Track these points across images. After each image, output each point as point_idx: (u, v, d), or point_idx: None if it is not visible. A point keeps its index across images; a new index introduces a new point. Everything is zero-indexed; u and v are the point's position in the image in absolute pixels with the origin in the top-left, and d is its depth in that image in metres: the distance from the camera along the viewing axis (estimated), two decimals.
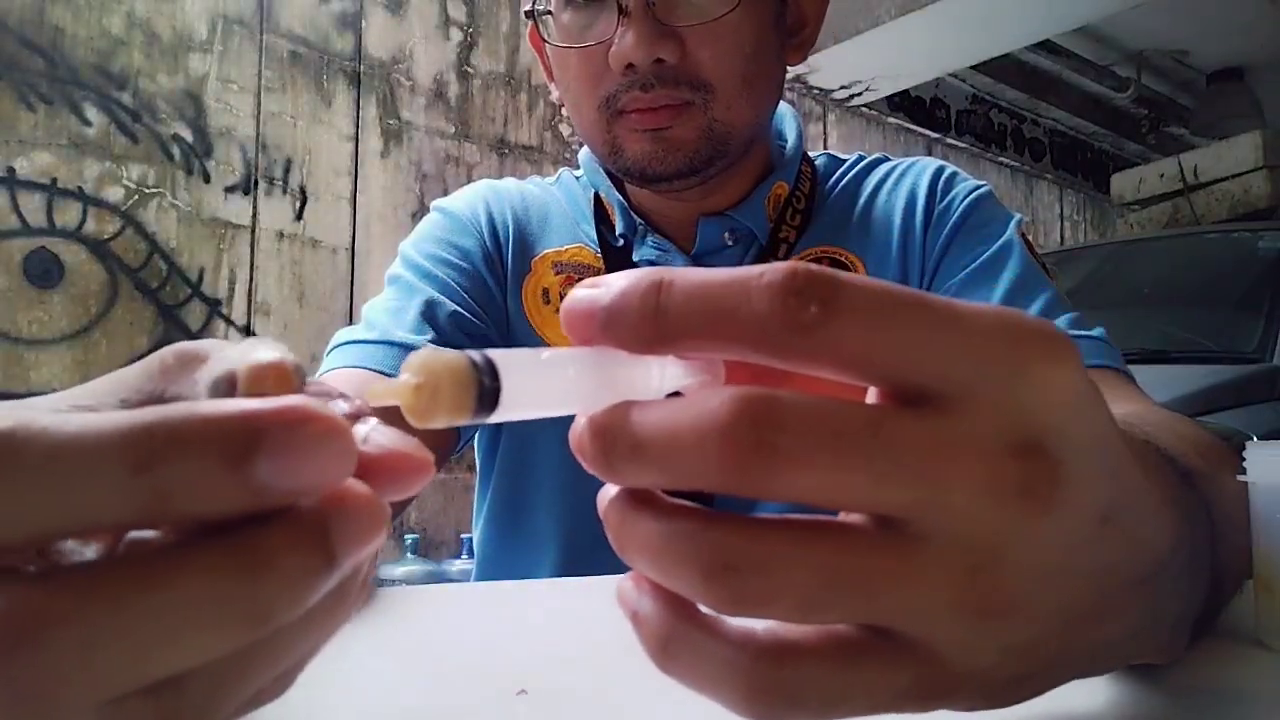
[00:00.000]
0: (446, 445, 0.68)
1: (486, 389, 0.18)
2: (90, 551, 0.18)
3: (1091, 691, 0.30)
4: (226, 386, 0.20)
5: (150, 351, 0.22)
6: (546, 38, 0.70)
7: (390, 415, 0.20)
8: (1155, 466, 0.28)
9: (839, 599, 0.19)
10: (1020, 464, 0.19)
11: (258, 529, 0.17)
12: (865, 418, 0.19)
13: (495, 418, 0.19)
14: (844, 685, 0.20)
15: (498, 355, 0.19)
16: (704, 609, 0.20)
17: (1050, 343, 0.20)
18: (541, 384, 0.20)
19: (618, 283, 0.20)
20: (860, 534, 0.19)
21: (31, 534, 0.16)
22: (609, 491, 0.21)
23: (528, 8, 0.70)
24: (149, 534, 0.18)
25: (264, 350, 0.20)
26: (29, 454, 0.15)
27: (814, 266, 0.19)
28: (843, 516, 0.20)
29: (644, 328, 0.19)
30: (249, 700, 0.19)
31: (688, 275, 0.19)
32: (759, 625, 0.20)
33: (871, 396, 0.21)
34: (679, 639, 0.20)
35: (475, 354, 0.19)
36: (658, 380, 0.21)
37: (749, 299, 0.19)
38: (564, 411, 0.20)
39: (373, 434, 0.20)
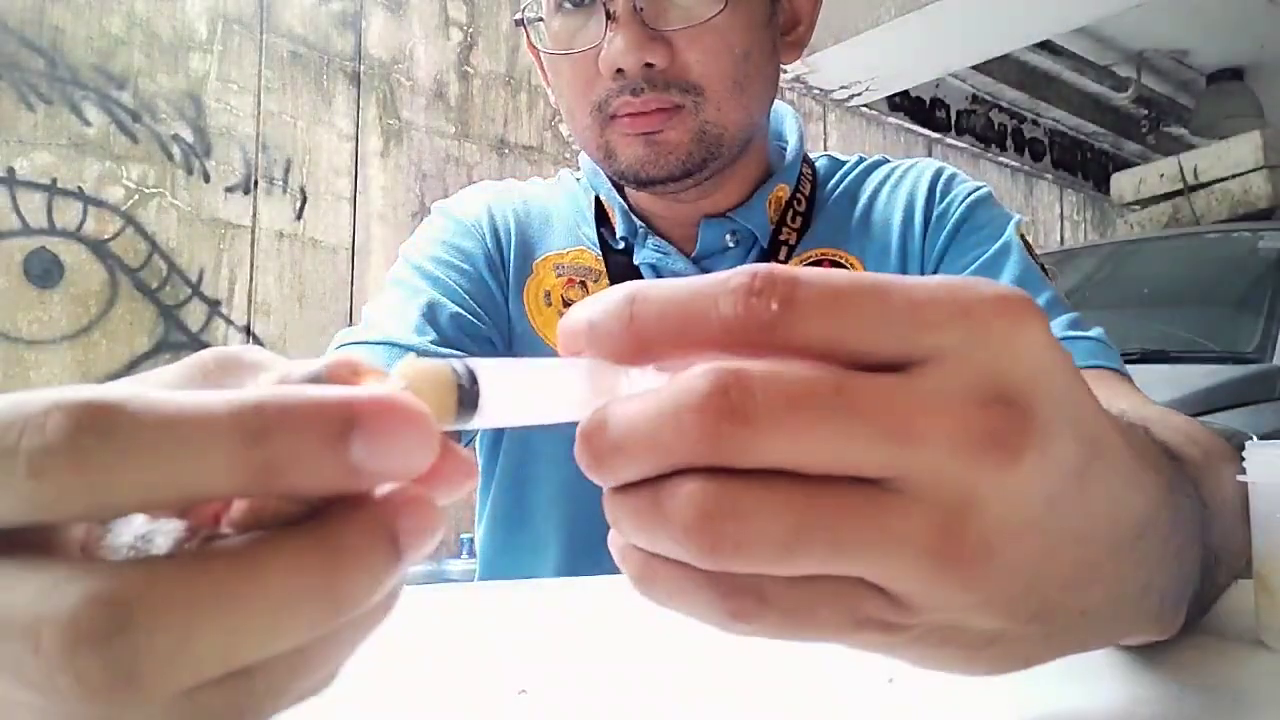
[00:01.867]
0: None
1: (467, 393, 0.19)
2: (161, 543, 0.18)
3: (1093, 689, 0.30)
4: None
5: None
6: (538, 44, 0.70)
7: None
8: (1138, 438, 0.28)
9: (813, 545, 0.20)
10: (988, 414, 0.20)
11: (337, 523, 0.18)
12: (833, 379, 0.20)
13: (476, 422, 0.20)
14: (811, 594, 0.21)
15: (480, 362, 0.20)
16: None
17: (1010, 304, 0.21)
18: (525, 391, 0.21)
19: (601, 298, 0.21)
20: (833, 483, 0.20)
21: (147, 500, 0.17)
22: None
23: (519, 16, 0.70)
24: (222, 528, 0.19)
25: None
26: (146, 420, 0.16)
27: (776, 267, 0.20)
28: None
29: (622, 338, 0.21)
30: (300, 694, 0.20)
31: (659, 287, 0.21)
32: None
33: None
34: (657, 563, 0.21)
35: (457, 361, 0.20)
36: (640, 388, 0.22)
37: (716, 304, 0.20)
38: (549, 419, 0.21)
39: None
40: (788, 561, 0.20)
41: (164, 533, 0.19)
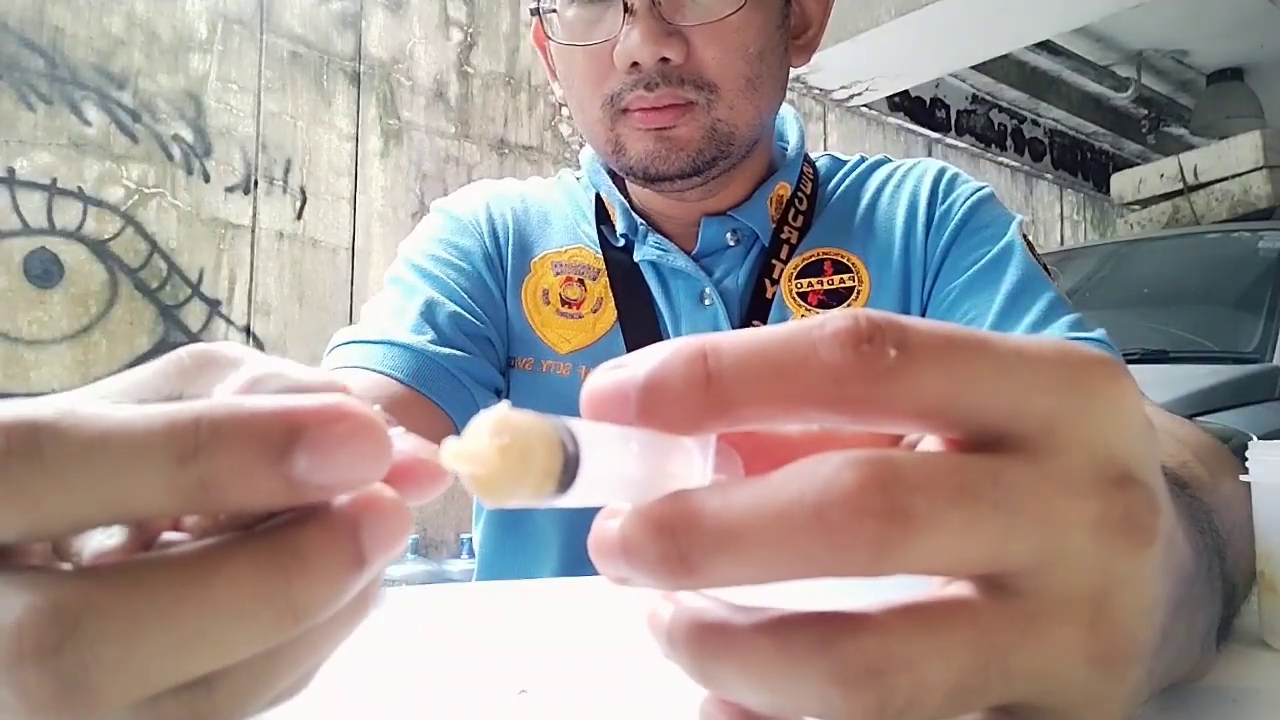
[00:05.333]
0: None
1: (570, 457, 0.16)
2: (119, 550, 0.18)
3: None
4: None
5: (150, 352, 0.22)
6: (551, 35, 0.70)
7: (410, 426, 0.20)
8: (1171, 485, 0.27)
9: (984, 682, 0.18)
10: (1123, 495, 0.18)
11: (294, 529, 0.17)
12: (983, 468, 0.18)
13: (571, 496, 0.17)
14: None
15: (574, 422, 0.17)
16: None
17: (1111, 369, 0.19)
18: (609, 462, 0.17)
19: (652, 357, 0.18)
20: (985, 608, 0.18)
21: (75, 519, 0.16)
22: (679, 615, 0.18)
23: (533, 5, 0.70)
24: (181, 535, 0.18)
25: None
26: (74, 440, 0.16)
27: (875, 312, 0.17)
28: (949, 590, 0.19)
29: (694, 401, 0.17)
30: (269, 700, 0.20)
31: (735, 337, 0.18)
32: None
33: (930, 446, 0.20)
34: None
35: (553, 418, 0.17)
36: (701, 468, 0.19)
37: (815, 352, 0.17)
38: (623, 499, 0.18)
39: (395, 440, 0.20)
40: (959, 707, 0.18)
41: (124, 539, 0.18)
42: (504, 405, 0.17)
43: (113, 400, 0.21)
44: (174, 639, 0.16)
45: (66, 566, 0.17)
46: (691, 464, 0.18)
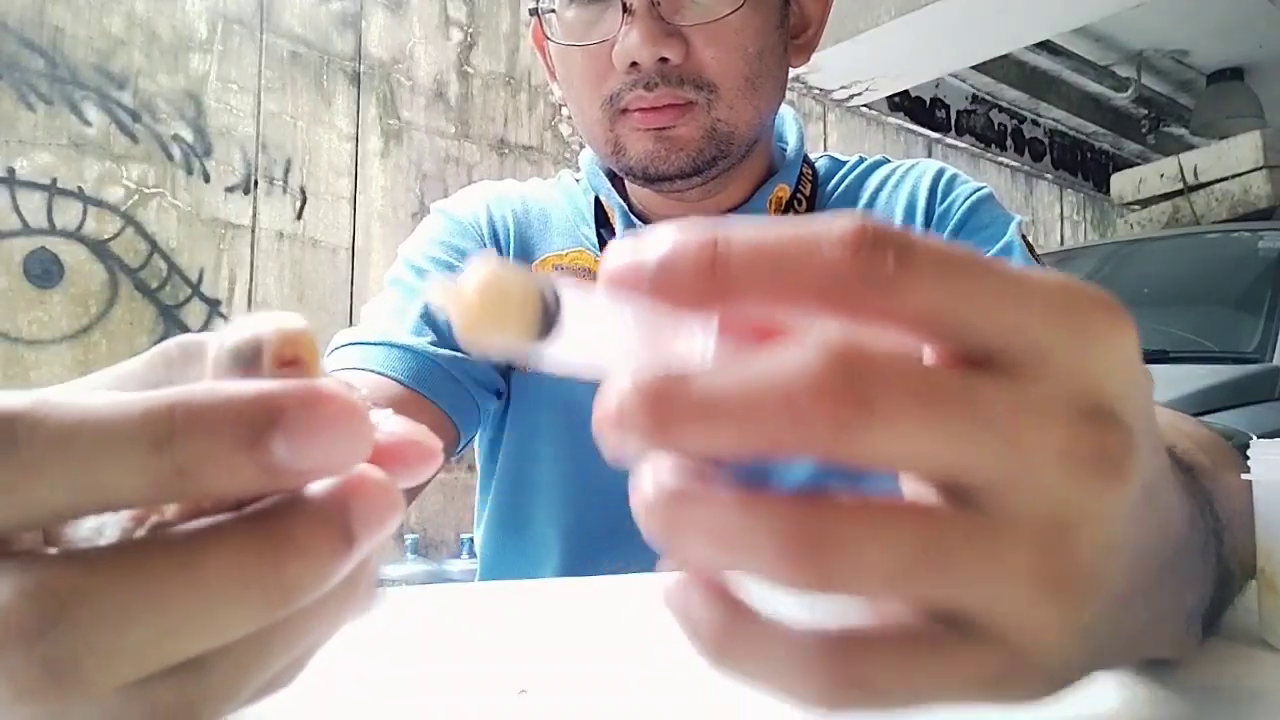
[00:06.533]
0: (447, 445, 0.68)
1: (551, 308, 0.18)
2: (110, 533, 0.18)
3: (1094, 689, 0.30)
4: (250, 352, 0.19)
5: None
6: (550, 35, 0.70)
7: (400, 411, 0.20)
8: (1170, 458, 0.28)
9: (921, 575, 0.18)
10: (1097, 430, 0.19)
11: (281, 510, 0.17)
12: (958, 377, 0.18)
13: (555, 347, 0.18)
14: (916, 674, 0.19)
15: (565, 286, 0.18)
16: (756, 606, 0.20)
17: (1112, 310, 0.20)
18: (595, 326, 0.18)
19: (669, 235, 0.18)
20: (939, 511, 0.19)
21: (54, 509, 0.16)
22: (652, 476, 0.20)
23: (532, 5, 0.70)
24: (169, 517, 0.18)
25: (291, 320, 0.20)
26: (47, 430, 0.16)
27: (883, 220, 0.18)
28: (914, 494, 0.20)
29: (702, 282, 0.18)
30: (262, 687, 0.20)
31: (746, 229, 0.18)
32: (821, 616, 0.19)
33: (927, 357, 0.20)
34: (740, 635, 0.19)
35: (543, 276, 0.18)
36: (702, 346, 0.20)
37: (819, 250, 0.18)
38: (610, 363, 0.19)
39: (384, 422, 0.20)
40: (893, 591, 0.19)
41: (115, 522, 0.18)
42: (496, 258, 0.18)
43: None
44: (162, 621, 0.16)
45: (53, 552, 0.17)
46: (693, 344, 0.19)
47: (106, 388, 0.21)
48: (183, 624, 0.16)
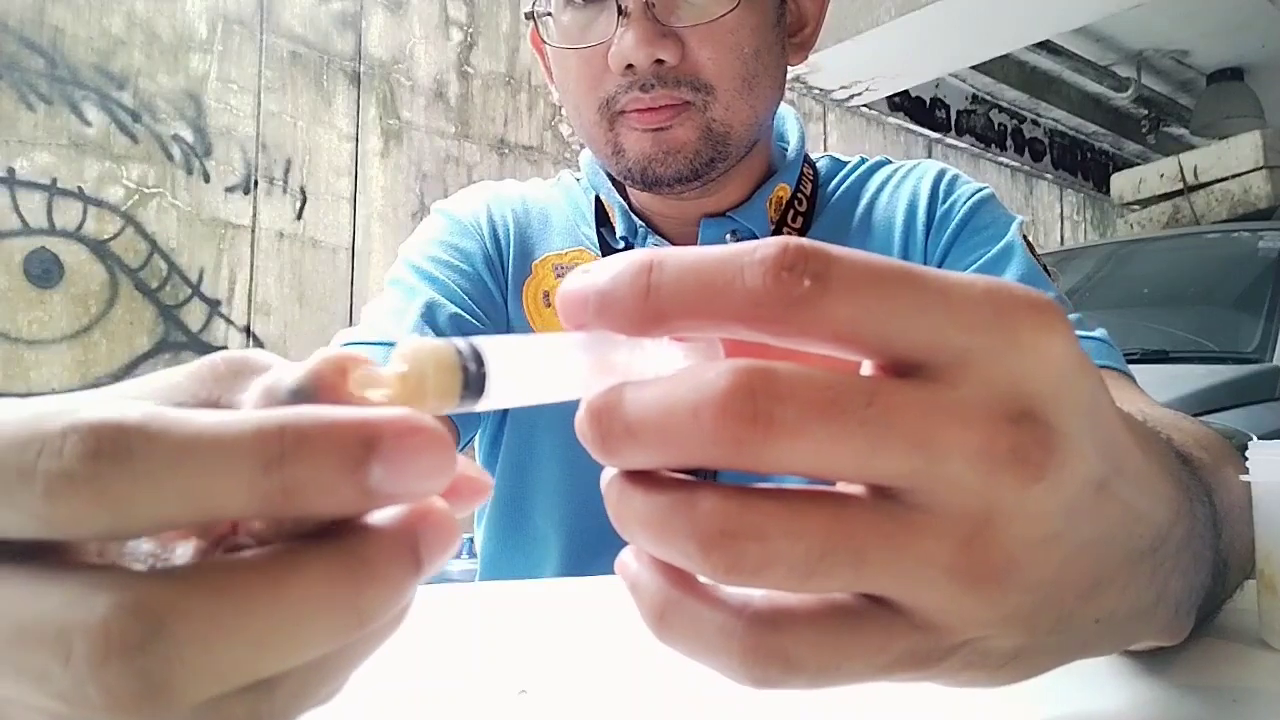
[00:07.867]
0: None
1: (473, 375, 0.19)
2: (183, 552, 0.18)
3: (1094, 689, 0.30)
4: (311, 390, 0.20)
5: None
6: (546, 39, 0.70)
7: None
8: (1154, 444, 0.28)
9: (834, 566, 0.19)
10: (1013, 431, 0.19)
11: (361, 537, 0.18)
12: (860, 387, 0.19)
13: (483, 405, 0.19)
14: (839, 650, 0.20)
15: (484, 341, 0.19)
16: (702, 580, 0.20)
17: (1040, 311, 0.20)
18: (531, 369, 0.20)
19: (610, 266, 0.20)
20: (855, 502, 0.20)
21: (156, 520, 0.17)
22: (610, 471, 0.21)
23: (528, 9, 0.70)
24: (240, 538, 0.19)
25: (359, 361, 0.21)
26: (165, 443, 0.16)
27: (806, 241, 0.19)
28: (840, 486, 0.21)
29: (636, 308, 0.19)
30: (315, 703, 0.20)
31: (679, 254, 0.19)
32: (755, 593, 0.20)
33: (866, 370, 0.21)
34: (676, 607, 0.20)
35: (460, 341, 0.19)
36: (655, 363, 0.21)
37: (741, 275, 0.19)
38: (558, 398, 0.20)
39: None
40: (809, 582, 0.19)
41: (184, 542, 0.19)
42: (414, 336, 0.18)
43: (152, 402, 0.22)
44: (251, 639, 0.17)
45: (139, 566, 0.18)
46: (645, 360, 0.21)
47: (150, 396, 0.21)
48: (269, 642, 0.17)
